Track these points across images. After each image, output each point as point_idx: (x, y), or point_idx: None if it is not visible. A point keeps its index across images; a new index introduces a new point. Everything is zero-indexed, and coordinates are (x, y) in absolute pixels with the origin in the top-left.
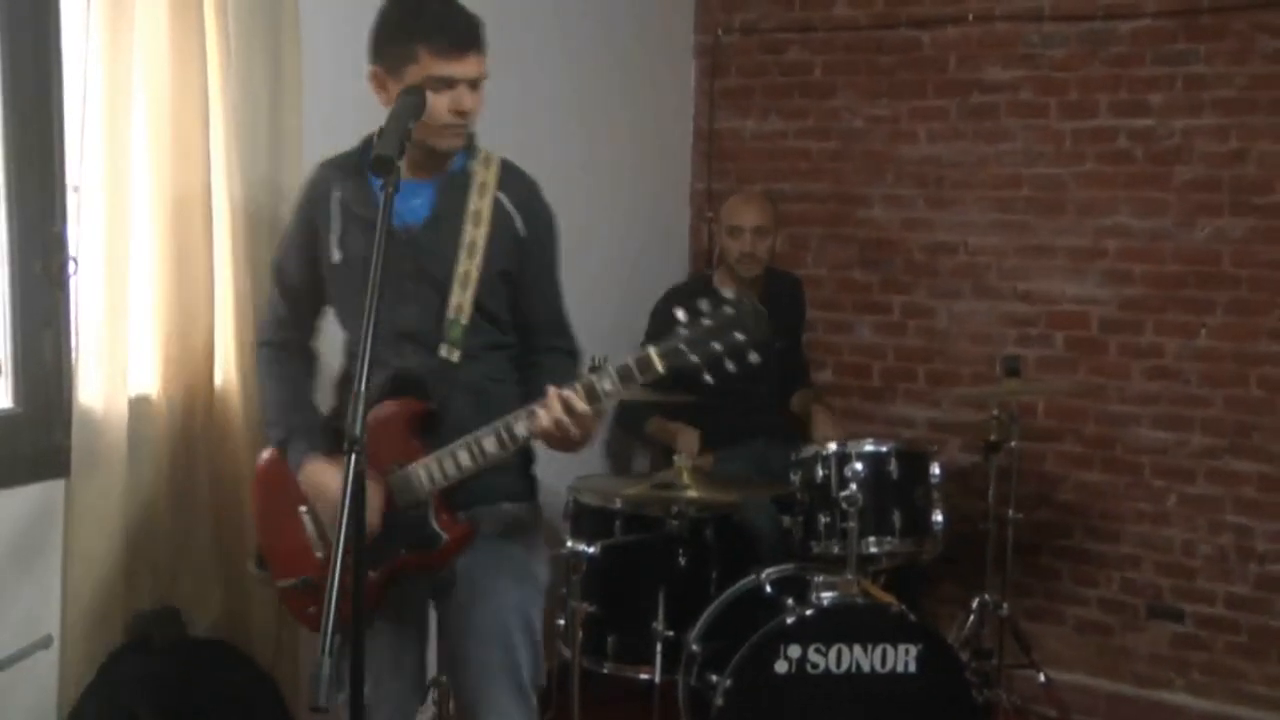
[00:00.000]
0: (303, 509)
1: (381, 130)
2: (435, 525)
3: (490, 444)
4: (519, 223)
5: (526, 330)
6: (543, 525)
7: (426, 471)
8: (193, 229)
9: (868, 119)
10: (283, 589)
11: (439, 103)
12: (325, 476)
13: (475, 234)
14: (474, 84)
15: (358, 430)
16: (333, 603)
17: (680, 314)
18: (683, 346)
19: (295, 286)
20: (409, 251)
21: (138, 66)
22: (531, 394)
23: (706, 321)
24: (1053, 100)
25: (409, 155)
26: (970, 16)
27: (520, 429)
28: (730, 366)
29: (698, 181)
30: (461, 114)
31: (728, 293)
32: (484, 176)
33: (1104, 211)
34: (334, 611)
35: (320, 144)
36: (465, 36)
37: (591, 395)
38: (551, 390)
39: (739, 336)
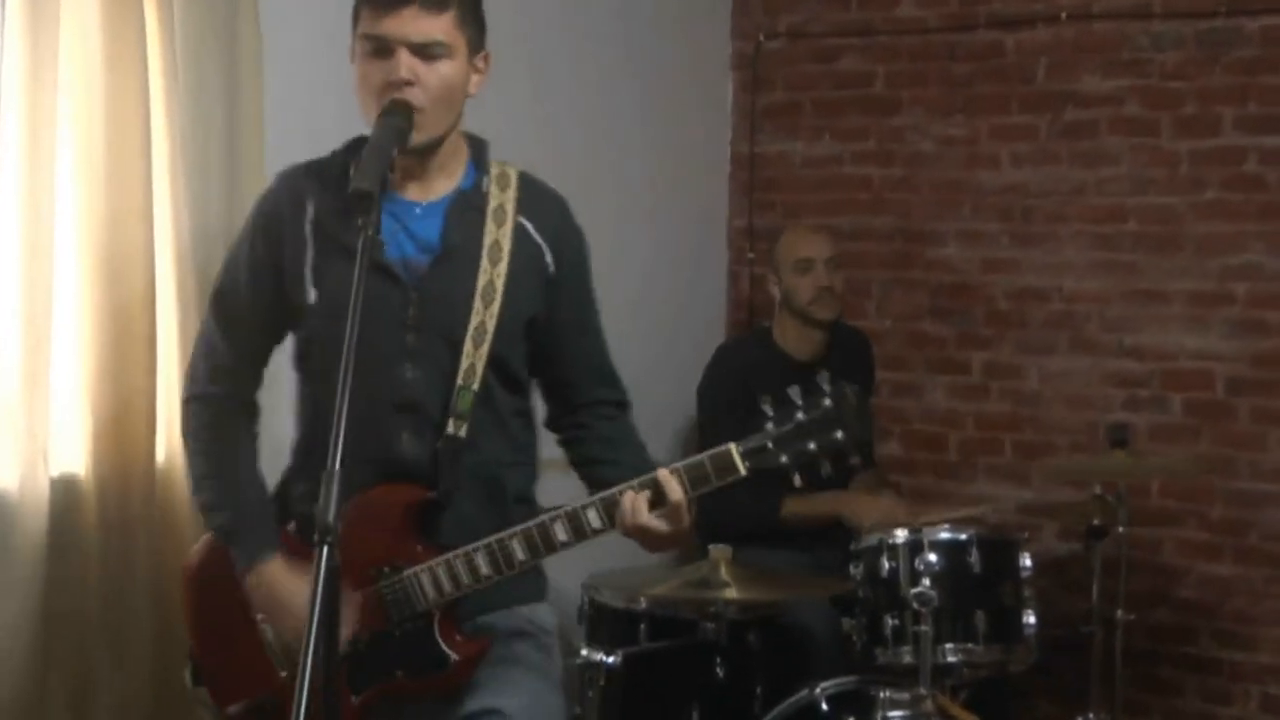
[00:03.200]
0: (259, 617)
1: (360, 151)
2: (441, 644)
3: (520, 549)
4: (549, 257)
5: (565, 385)
6: (557, 629)
7: (432, 579)
8: (131, 279)
9: (939, 140)
10: (233, 714)
11: (372, 72)
12: (287, 586)
13: (493, 273)
14: (424, 51)
15: (330, 517)
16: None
17: (767, 407)
18: (771, 444)
19: (244, 324)
20: (410, 296)
21: (63, 84)
22: (581, 464)
23: (801, 416)
24: (1165, 115)
25: (406, 170)
26: (1064, 15)
27: (560, 533)
28: (826, 469)
29: (737, 217)
30: (395, 85)
31: (824, 377)
32: (501, 198)
33: (1230, 249)
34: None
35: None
36: None
37: (652, 485)
38: (660, 474)
39: (839, 436)
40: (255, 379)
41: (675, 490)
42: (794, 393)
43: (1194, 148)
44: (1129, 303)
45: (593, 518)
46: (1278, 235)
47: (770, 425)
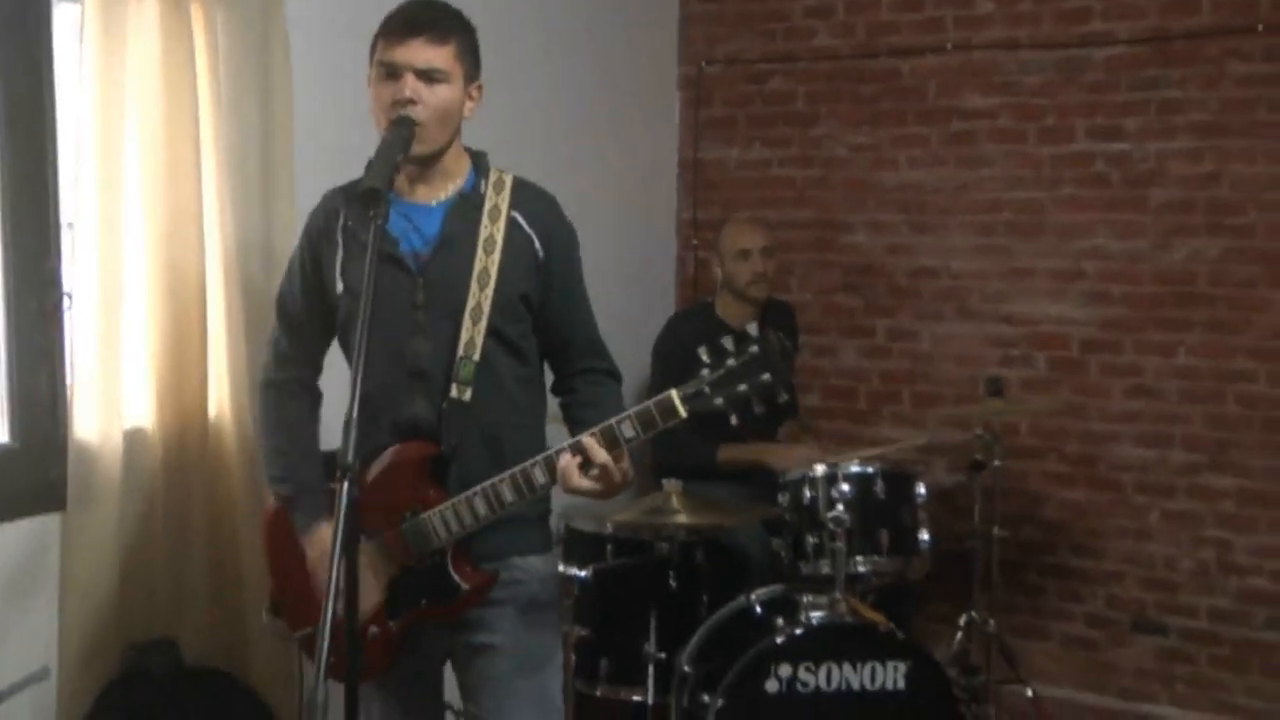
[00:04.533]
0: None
1: (370, 161)
2: (455, 575)
3: (508, 492)
4: (537, 244)
5: (559, 355)
6: (555, 578)
7: (442, 520)
8: (185, 262)
9: (850, 147)
10: (302, 639)
11: (384, 92)
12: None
13: (488, 261)
14: (426, 76)
15: (350, 458)
16: (328, 626)
17: (704, 354)
18: (708, 389)
19: (299, 320)
20: (417, 281)
21: (130, 103)
22: (570, 423)
23: (731, 362)
24: (1031, 126)
25: (415, 178)
26: (949, 46)
27: (539, 477)
28: (759, 408)
29: (684, 211)
30: (400, 103)
31: (752, 328)
32: (496, 199)
33: (1083, 234)
34: (329, 636)
35: (313, 173)
36: (415, 21)
37: (611, 442)
38: (584, 439)
39: (766, 377)
40: (314, 367)
41: (599, 453)
42: (727, 342)
43: (1054, 153)
44: (1003, 279)
45: (538, 475)
46: (1120, 224)
47: (706, 372)
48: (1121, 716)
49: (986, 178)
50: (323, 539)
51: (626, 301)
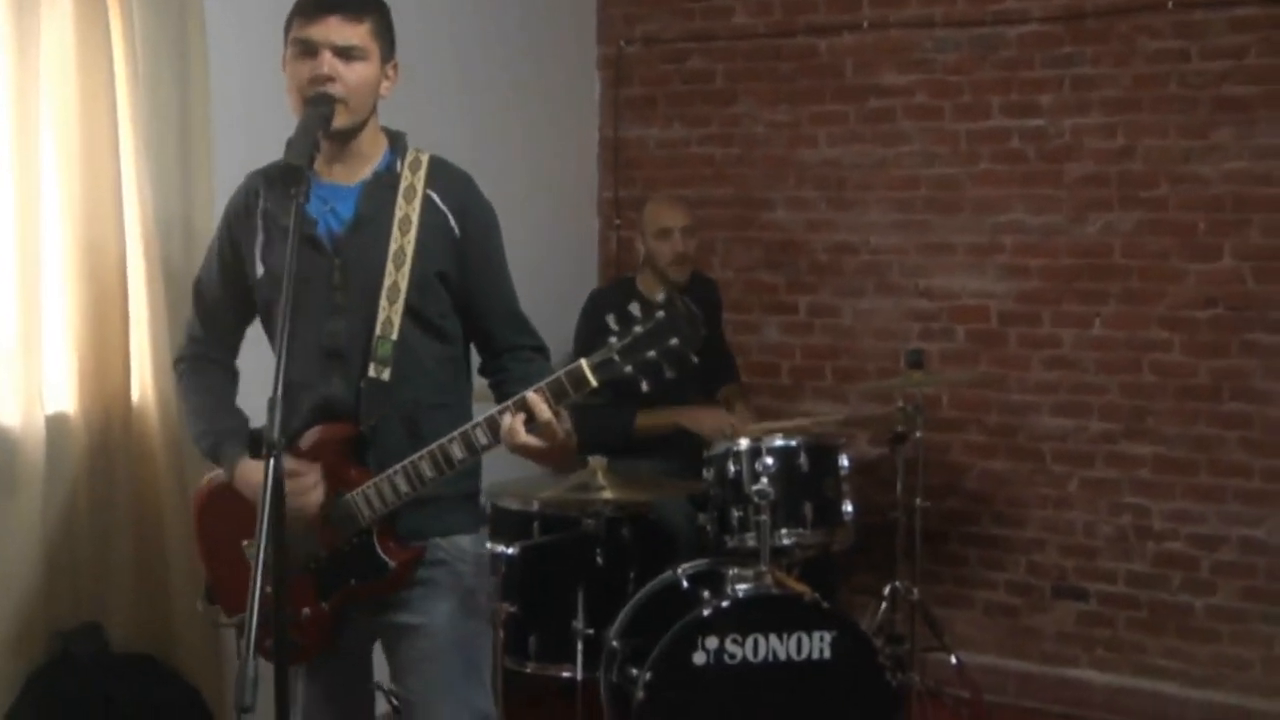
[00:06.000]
0: (245, 543)
1: (290, 139)
2: (381, 553)
3: (428, 468)
4: (453, 222)
5: (485, 334)
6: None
7: (365, 499)
8: (105, 244)
9: (769, 125)
10: (237, 624)
11: (301, 70)
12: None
13: (403, 241)
14: (344, 53)
15: (275, 434)
16: (256, 599)
17: (611, 322)
18: (616, 357)
19: (216, 306)
20: (334, 262)
21: (45, 82)
22: (504, 400)
23: (639, 329)
24: (947, 103)
25: (332, 158)
26: (865, 24)
27: (458, 452)
28: (669, 373)
29: (605, 190)
30: (319, 80)
31: (659, 297)
32: (411, 179)
33: (999, 209)
34: (258, 609)
35: (232, 152)
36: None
37: (522, 407)
38: (528, 396)
39: (674, 342)
40: (228, 348)
41: (542, 409)
42: (634, 309)
43: (970, 129)
44: (922, 253)
45: (481, 436)
46: (1036, 198)
47: (614, 339)
48: (1043, 680)
49: (904, 154)
50: (250, 471)
51: (549, 281)
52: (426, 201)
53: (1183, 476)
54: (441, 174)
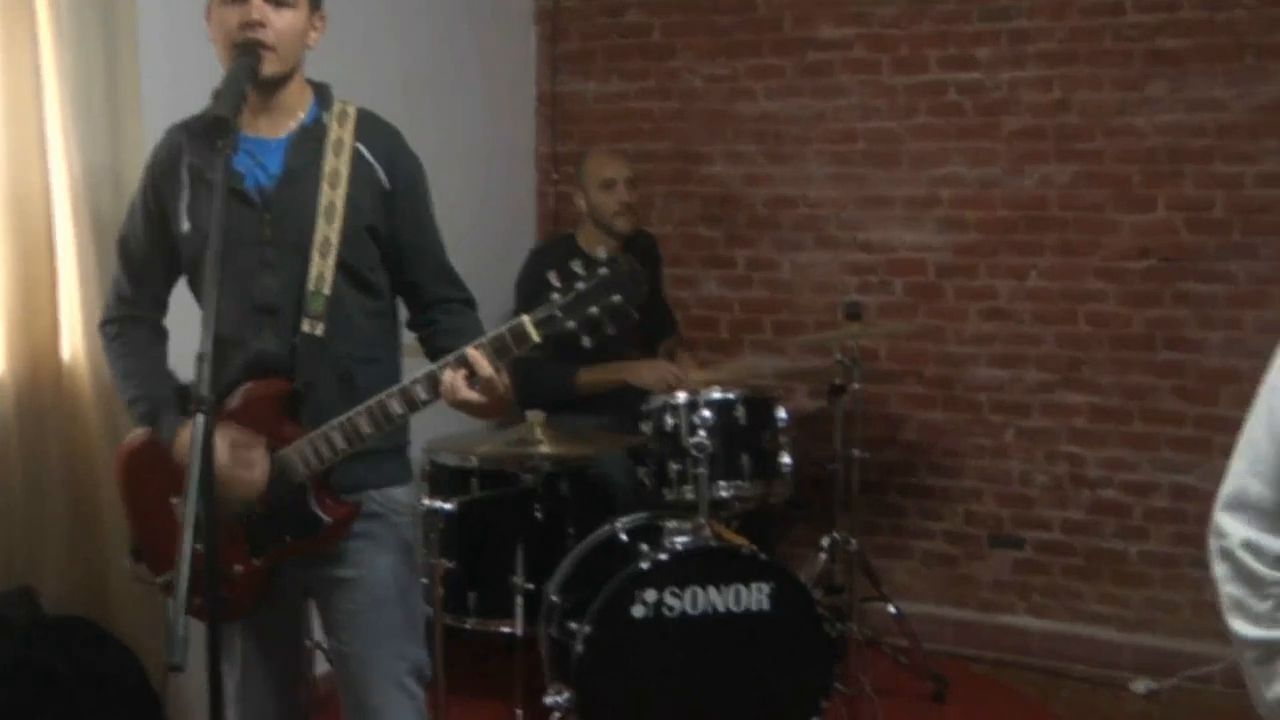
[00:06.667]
0: (174, 500)
1: (216, 90)
2: (316, 509)
3: (365, 424)
4: (382, 174)
5: (413, 287)
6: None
7: (300, 455)
8: (31, 198)
9: (706, 78)
10: (164, 584)
11: (229, 16)
12: None
13: (333, 195)
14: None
15: (204, 391)
16: (187, 559)
17: (553, 279)
18: (559, 313)
19: (142, 260)
20: (263, 216)
21: None
22: (432, 355)
23: (581, 285)
24: (884, 57)
25: (257, 110)
26: None
27: (396, 407)
28: (611, 329)
29: (542, 145)
30: (248, 26)
31: (601, 253)
32: (339, 132)
33: (937, 162)
34: (189, 569)
35: (161, 103)
36: None
37: (464, 363)
38: (469, 352)
39: (617, 298)
40: (156, 306)
41: (484, 365)
42: (576, 266)
43: (907, 82)
44: (860, 207)
45: (420, 391)
46: (973, 151)
47: (556, 296)
48: (980, 628)
49: (842, 107)
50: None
51: (487, 236)
52: (355, 155)
53: (1117, 425)
54: (369, 127)
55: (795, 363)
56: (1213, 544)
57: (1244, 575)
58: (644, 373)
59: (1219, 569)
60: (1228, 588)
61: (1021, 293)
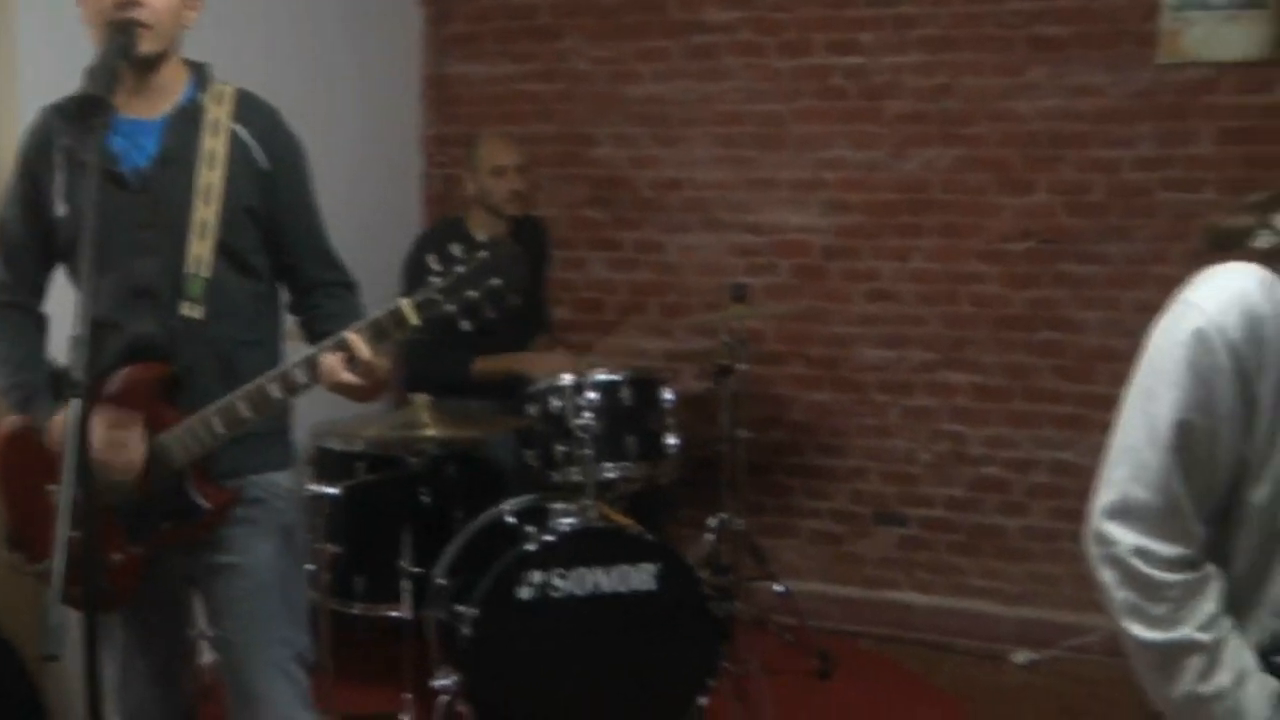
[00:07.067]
0: (51, 487)
1: (90, 69)
2: (196, 495)
3: (245, 408)
4: (260, 155)
5: (294, 271)
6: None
7: (179, 441)
8: None
9: (593, 61)
10: (41, 572)
11: None
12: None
13: (211, 177)
14: None
15: (79, 375)
16: (63, 546)
17: (432, 262)
18: (437, 296)
19: (17, 245)
20: (141, 199)
21: None
22: (313, 339)
23: (461, 268)
24: (770, 40)
25: (133, 90)
26: None
27: (275, 391)
28: (490, 313)
29: (429, 128)
30: (122, 4)
31: (481, 236)
32: (217, 113)
33: (822, 145)
34: (65, 557)
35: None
36: None
37: (343, 346)
38: (348, 335)
39: (495, 281)
40: (33, 292)
41: (362, 349)
42: (456, 249)
43: (793, 66)
44: (746, 189)
45: (300, 375)
46: (858, 134)
47: (435, 279)
48: (866, 605)
49: (728, 90)
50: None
51: (371, 219)
52: (233, 136)
53: (999, 403)
54: (247, 107)
55: (682, 344)
56: (1097, 551)
57: (1137, 581)
58: (540, 364)
59: (1108, 575)
60: (1120, 594)
61: (905, 274)
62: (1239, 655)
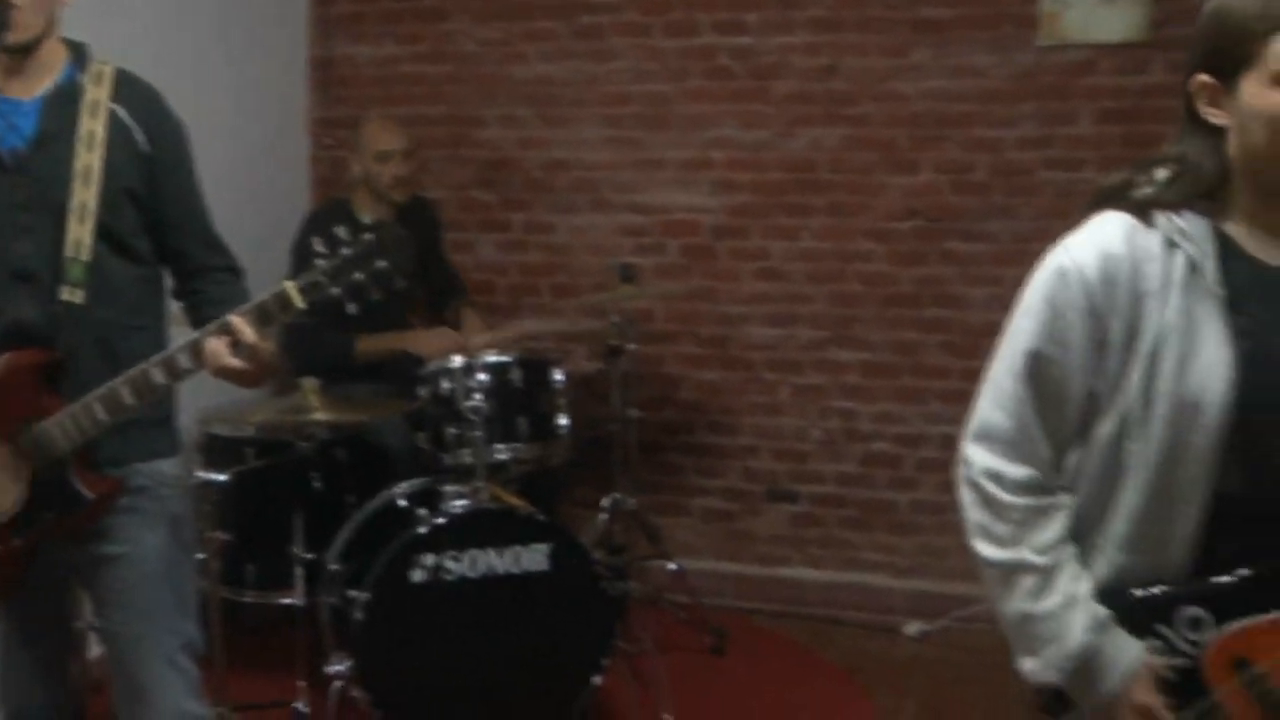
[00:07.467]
0: None
1: None
2: (79, 485)
3: (128, 395)
4: (141, 137)
5: (177, 254)
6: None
7: (61, 428)
8: None
9: (480, 42)
10: None
11: None
12: None
13: (90, 159)
14: None
15: None
16: None
17: (318, 244)
18: (322, 279)
19: None
20: (17, 181)
21: None
22: (198, 324)
23: (347, 251)
24: (657, 20)
25: (9, 71)
26: None
27: (158, 377)
28: (376, 295)
29: (316, 110)
30: None
31: (366, 218)
32: (96, 93)
33: (709, 125)
34: None
35: None
36: None
37: (227, 330)
38: (231, 319)
39: (382, 264)
40: None
41: (247, 332)
42: (341, 232)
43: (679, 46)
44: (634, 169)
45: (183, 360)
46: (745, 114)
47: (321, 262)
48: (759, 581)
49: (615, 71)
50: None
51: (258, 202)
52: (112, 117)
53: (888, 380)
54: (127, 87)
55: (573, 325)
56: (960, 473)
57: (986, 501)
58: (425, 341)
59: (965, 496)
60: (972, 513)
61: (793, 253)
62: (1072, 583)
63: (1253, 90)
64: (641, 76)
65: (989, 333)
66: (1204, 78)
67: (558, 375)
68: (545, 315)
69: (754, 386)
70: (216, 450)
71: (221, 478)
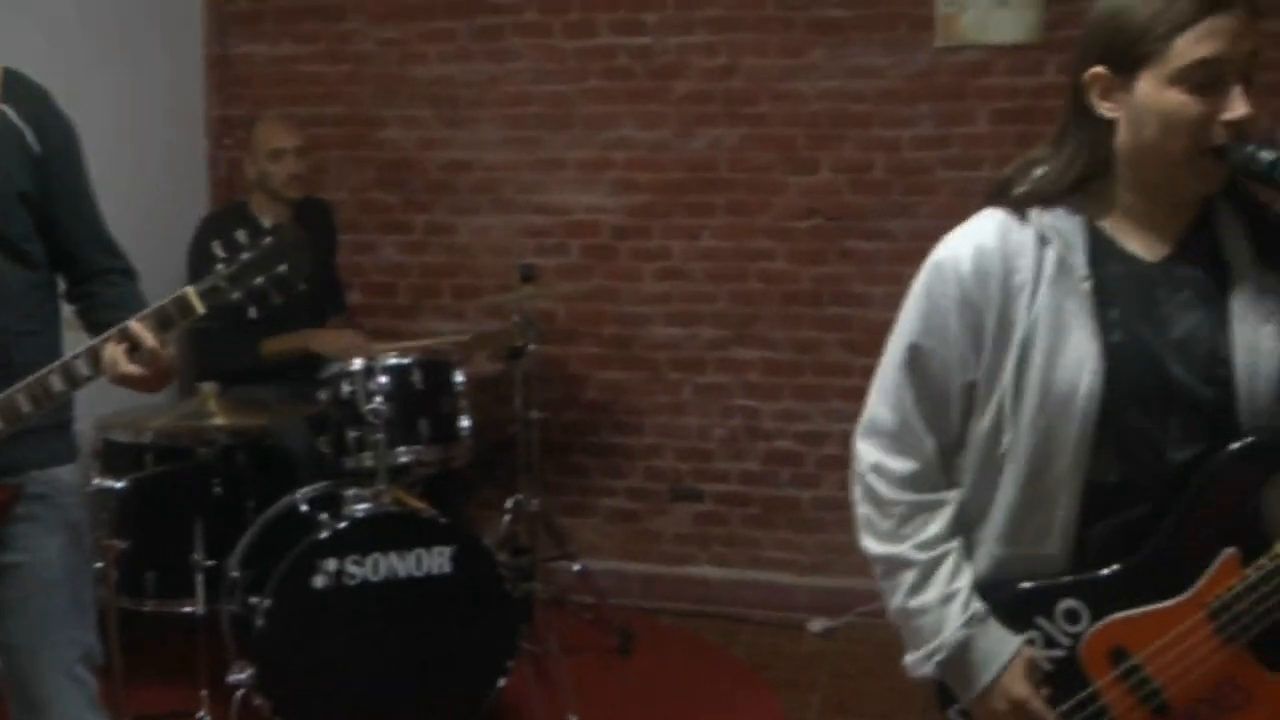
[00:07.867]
0: None
1: None
2: None
3: (24, 402)
4: (31, 138)
5: (70, 257)
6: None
7: None
8: None
9: (379, 42)
10: None
11: None
12: None
13: None
14: None
15: None
16: None
17: (218, 249)
18: (223, 283)
19: None
20: None
21: None
22: (92, 328)
23: (246, 255)
24: (556, 20)
25: None
26: None
27: (57, 384)
28: (276, 299)
29: (212, 109)
30: None
31: (266, 222)
32: None
33: (609, 125)
34: None
35: None
36: None
37: (126, 336)
38: (130, 325)
39: (281, 268)
40: None
41: (147, 338)
42: (241, 236)
43: (579, 46)
44: (535, 170)
45: (82, 367)
46: (644, 114)
47: (220, 266)
48: (664, 580)
49: (514, 71)
50: None
51: (154, 204)
52: (1, 117)
53: (789, 378)
54: (16, 88)
55: (476, 327)
56: (853, 469)
57: (872, 496)
58: (329, 340)
59: (855, 492)
60: (860, 508)
61: (694, 252)
62: (951, 578)
63: (1150, 87)
64: (541, 77)
65: (888, 330)
66: (1100, 70)
67: (459, 377)
68: (448, 317)
69: (657, 386)
70: (115, 457)
71: (120, 485)
